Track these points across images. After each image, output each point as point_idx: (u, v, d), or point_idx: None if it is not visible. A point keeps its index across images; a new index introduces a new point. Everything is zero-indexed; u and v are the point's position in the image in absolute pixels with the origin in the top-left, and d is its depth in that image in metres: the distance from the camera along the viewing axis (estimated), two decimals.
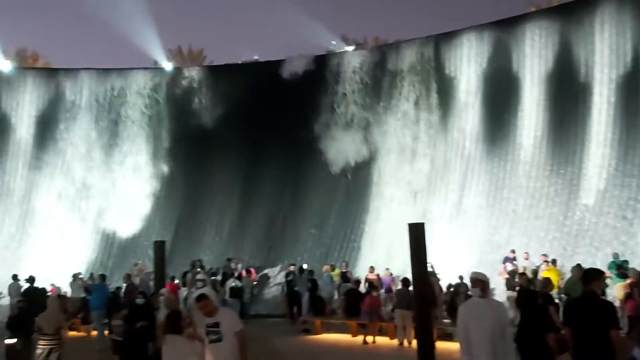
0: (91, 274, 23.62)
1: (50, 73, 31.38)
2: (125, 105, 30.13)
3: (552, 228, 21.00)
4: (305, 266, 22.42)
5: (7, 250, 27.69)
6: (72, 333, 17.75)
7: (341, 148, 26.34)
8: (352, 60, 27.82)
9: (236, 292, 20.05)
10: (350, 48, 30.10)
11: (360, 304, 16.02)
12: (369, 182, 26.06)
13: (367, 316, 15.50)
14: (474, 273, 7.48)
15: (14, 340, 10.90)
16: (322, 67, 28.20)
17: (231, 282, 20.53)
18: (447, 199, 23.99)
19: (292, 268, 22.45)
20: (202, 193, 28.68)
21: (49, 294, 19.15)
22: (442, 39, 25.81)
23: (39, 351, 11.18)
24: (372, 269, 20.50)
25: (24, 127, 29.51)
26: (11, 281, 21.23)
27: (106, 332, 16.21)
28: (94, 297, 17.11)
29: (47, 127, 29.61)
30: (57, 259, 26.78)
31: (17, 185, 28.90)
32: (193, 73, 30.87)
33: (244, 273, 22.71)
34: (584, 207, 20.63)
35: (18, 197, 28.79)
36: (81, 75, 30.41)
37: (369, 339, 15.10)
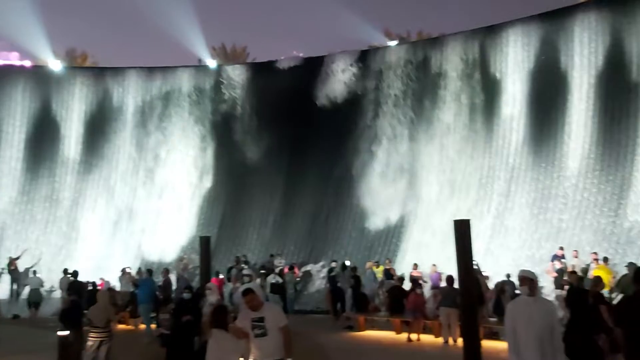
0: (139, 269, 24.15)
1: (98, 72, 32.19)
2: (170, 102, 30.60)
3: (598, 239, 20.20)
4: (347, 263, 22.41)
5: (59, 247, 28.58)
6: (121, 326, 18.21)
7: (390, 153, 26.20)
8: (395, 57, 27.42)
9: (277, 289, 20.19)
10: (393, 43, 29.79)
11: (404, 301, 15.90)
12: (413, 183, 25.68)
13: (411, 313, 15.38)
14: (522, 271, 7.34)
15: (66, 332, 11.21)
16: (365, 65, 27.97)
17: (272, 279, 20.69)
18: (490, 208, 23.39)
19: (334, 265, 22.49)
20: (245, 190, 28.95)
21: (99, 288, 19.76)
22: (487, 35, 25.20)
23: (89, 343, 11.51)
24: (415, 266, 20.34)
25: (73, 126, 30.34)
26: (62, 275, 21.96)
27: (153, 325, 16.60)
28: (141, 291, 17.49)
29: (95, 126, 30.38)
30: (107, 255, 27.61)
31: (67, 186, 29.74)
32: (236, 71, 31.12)
33: (286, 269, 22.83)
34: (633, 217, 19.79)
35: (69, 194, 29.63)
36: (128, 74, 31.06)
37: (413, 336, 14.98)
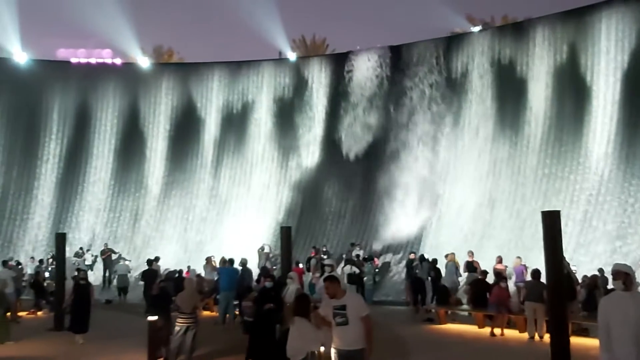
0: (222, 258, 24.83)
1: (184, 68, 33.27)
2: (255, 95, 31.14)
3: None
4: (426, 255, 22.10)
5: (147, 236, 29.95)
6: (206, 312, 18.83)
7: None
8: (479, 46, 26.53)
9: (354, 279, 20.20)
10: (477, 29, 28.80)
11: (487, 295, 15.49)
12: (498, 176, 24.78)
13: (494, 307, 14.96)
14: (617, 264, 6.94)
15: (156, 318, 11.69)
16: (447, 53, 27.35)
17: (349, 269, 20.71)
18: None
19: (412, 256, 22.23)
20: (324, 180, 29.09)
21: (184, 275, 20.53)
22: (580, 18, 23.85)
23: (177, 328, 11.97)
24: (499, 258, 19.74)
25: (161, 122, 31.57)
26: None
27: (236, 312, 17.08)
28: (222, 280, 18.02)
29: (181, 121, 31.48)
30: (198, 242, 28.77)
31: (155, 178, 31.05)
32: (315, 62, 31.26)
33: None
34: None
35: (158, 185, 30.94)
36: (212, 69, 31.88)
37: (497, 331, 14.57)
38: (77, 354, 13.07)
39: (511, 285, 18.31)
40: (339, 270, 22.55)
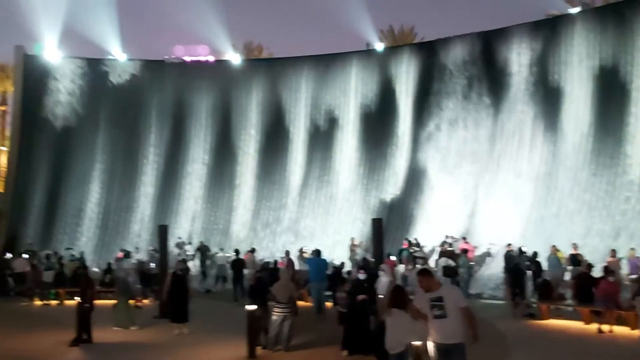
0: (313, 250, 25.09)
1: (275, 63, 33.73)
2: (343, 87, 31.11)
3: None
4: (524, 248, 21.24)
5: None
6: (301, 303, 19.10)
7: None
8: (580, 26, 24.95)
9: (449, 271, 19.74)
10: (575, 10, 27.21)
11: (593, 290, 14.66)
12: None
13: (602, 303, 14.13)
14: None
15: (254, 307, 11.97)
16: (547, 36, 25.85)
17: (444, 262, 20.29)
18: None
19: (509, 248, 21.43)
20: None
21: (279, 266, 20.95)
22: None
23: (274, 317, 12.24)
24: (613, 252, 18.60)
25: (252, 115, 32.32)
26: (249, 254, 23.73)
27: (329, 303, 17.23)
28: (310, 271, 18.26)
29: (272, 114, 32.07)
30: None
31: (247, 175, 31.88)
32: (404, 52, 30.75)
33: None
34: None
35: (251, 180, 31.79)
36: (300, 64, 32.13)
37: (605, 328, 13.76)
38: (180, 342, 13.64)
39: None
40: (432, 262, 22.18)
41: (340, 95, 31.11)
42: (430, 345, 7.20)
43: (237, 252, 22.73)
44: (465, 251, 21.96)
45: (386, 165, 29.56)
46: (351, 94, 30.82)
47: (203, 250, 27.34)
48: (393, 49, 32.57)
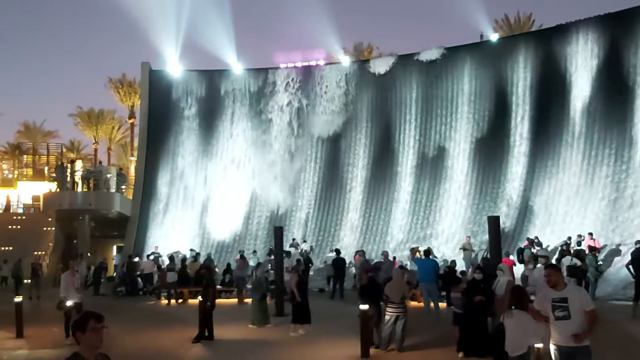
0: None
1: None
2: (454, 84, 30.35)
3: None
4: None
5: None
6: (413, 303, 18.86)
7: None
8: None
9: (574, 272, 18.59)
10: None
11: None
12: None
13: None
14: None
15: (366, 307, 11.98)
16: None
17: (568, 261, 19.15)
18: None
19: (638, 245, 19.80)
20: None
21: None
22: None
23: (387, 317, 12.17)
24: None
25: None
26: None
27: (442, 304, 16.87)
28: (420, 271, 18.02)
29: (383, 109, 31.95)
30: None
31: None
32: (520, 42, 29.25)
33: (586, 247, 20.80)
34: None
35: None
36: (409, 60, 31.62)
37: None
38: (296, 341, 13.93)
39: None
40: (554, 262, 21.02)
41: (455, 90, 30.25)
42: (552, 348, 6.84)
43: (337, 251, 23.00)
44: (592, 249, 20.60)
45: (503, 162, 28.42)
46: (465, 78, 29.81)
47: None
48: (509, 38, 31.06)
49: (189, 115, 34.16)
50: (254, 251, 28.52)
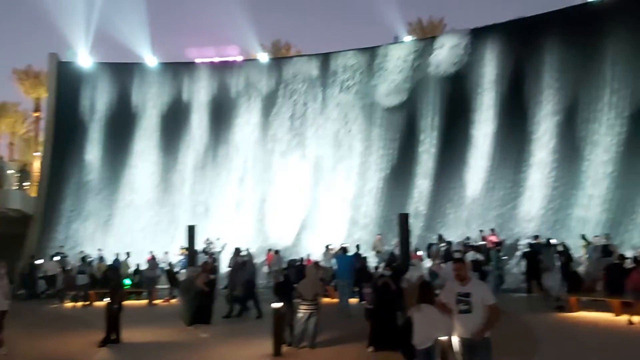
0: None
1: (306, 60, 33.10)
2: (381, 79, 30.78)
3: None
4: (553, 240, 20.88)
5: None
6: (326, 299, 19.09)
7: None
8: None
9: (477, 266, 19.41)
10: None
11: (624, 281, 14.38)
12: None
13: (633, 294, 13.86)
14: None
15: (280, 304, 12.00)
16: None
17: (471, 255, 19.93)
18: None
19: (533, 241, 21.11)
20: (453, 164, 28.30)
21: (305, 264, 20.99)
22: None
23: (299, 315, 12.26)
24: None
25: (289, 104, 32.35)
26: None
27: (354, 300, 17.20)
28: (339, 268, 18.23)
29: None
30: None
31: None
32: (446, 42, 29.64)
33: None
34: None
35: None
36: (334, 58, 31.94)
37: (635, 319, 13.50)
38: (206, 341, 13.73)
39: None
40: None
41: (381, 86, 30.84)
42: (456, 340, 7.16)
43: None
44: (497, 244, 21.59)
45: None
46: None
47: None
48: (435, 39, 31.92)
49: (99, 109, 32.87)
50: (166, 252, 27.84)
